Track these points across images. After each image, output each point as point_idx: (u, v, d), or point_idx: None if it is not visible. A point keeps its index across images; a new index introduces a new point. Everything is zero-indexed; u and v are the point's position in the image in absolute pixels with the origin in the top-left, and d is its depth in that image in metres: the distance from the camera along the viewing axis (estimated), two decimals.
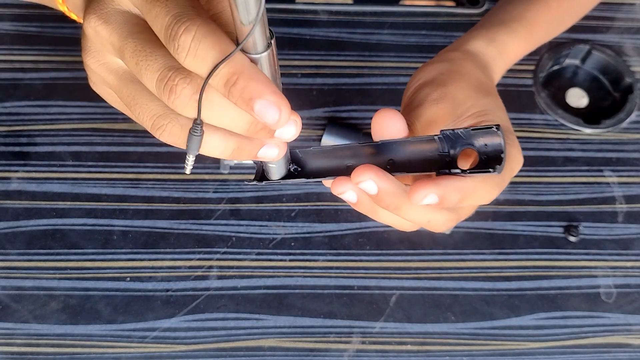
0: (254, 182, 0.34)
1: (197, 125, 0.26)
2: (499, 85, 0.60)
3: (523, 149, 0.57)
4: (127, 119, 0.55)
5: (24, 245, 0.51)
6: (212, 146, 0.28)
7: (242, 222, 0.53)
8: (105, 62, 0.29)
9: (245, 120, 0.27)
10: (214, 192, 0.53)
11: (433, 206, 0.30)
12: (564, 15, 0.49)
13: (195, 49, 0.24)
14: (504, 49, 0.43)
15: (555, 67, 0.63)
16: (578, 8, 0.51)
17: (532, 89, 0.60)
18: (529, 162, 0.57)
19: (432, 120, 0.36)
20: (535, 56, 0.61)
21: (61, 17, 0.44)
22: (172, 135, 0.27)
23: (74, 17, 0.35)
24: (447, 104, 0.36)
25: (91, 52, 0.29)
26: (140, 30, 0.27)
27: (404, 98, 0.40)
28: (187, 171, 0.29)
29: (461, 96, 0.37)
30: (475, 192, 0.31)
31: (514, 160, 0.35)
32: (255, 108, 0.24)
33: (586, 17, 0.64)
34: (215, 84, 0.25)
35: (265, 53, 0.25)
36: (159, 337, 0.48)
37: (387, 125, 0.32)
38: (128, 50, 0.27)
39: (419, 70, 0.41)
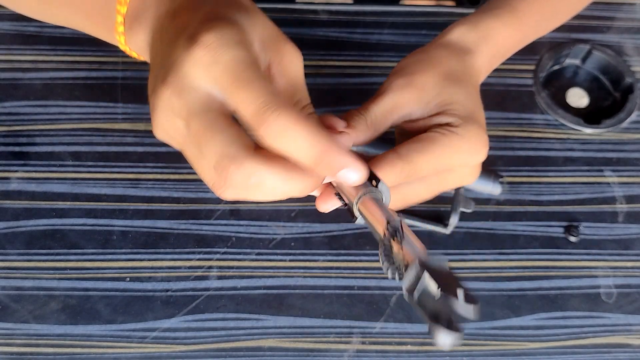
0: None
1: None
2: (499, 85, 0.60)
3: (523, 149, 0.58)
4: (127, 119, 0.55)
5: (23, 245, 0.51)
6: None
7: (242, 222, 0.52)
8: (174, 124, 0.30)
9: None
10: None
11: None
12: (558, 6, 0.49)
13: (283, 135, 0.28)
14: (488, 34, 0.43)
15: (556, 67, 0.63)
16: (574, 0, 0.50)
17: (533, 88, 0.60)
18: (529, 162, 0.57)
19: (395, 106, 0.37)
20: (536, 56, 0.61)
21: None
22: (225, 197, 0.31)
23: (134, 55, 0.37)
24: (412, 91, 0.37)
25: (161, 114, 0.30)
26: (208, 109, 0.29)
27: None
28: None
29: (428, 84, 0.37)
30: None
31: (477, 140, 0.37)
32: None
33: (586, 17, 0.64)
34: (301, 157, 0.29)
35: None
36: (159, 337, 0.48)
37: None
38: (192, 129, 0.29)
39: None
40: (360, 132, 0.36)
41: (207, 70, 0.29)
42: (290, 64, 0.34)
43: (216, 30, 0.29)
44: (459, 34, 0.42)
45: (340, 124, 0.37)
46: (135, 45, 0.35)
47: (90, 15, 0.37)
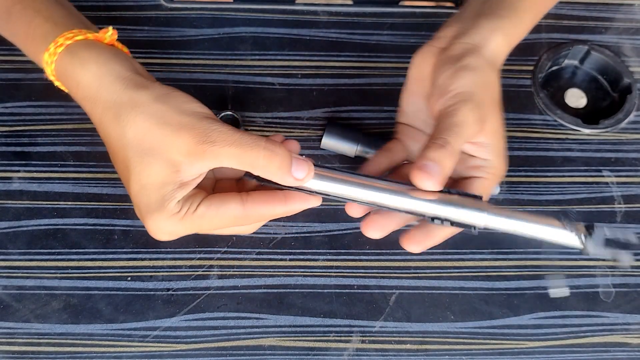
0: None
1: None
2: None
3: (522, 149, 0.58)
4: None
5: (25, 244, 0.51)
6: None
7: None
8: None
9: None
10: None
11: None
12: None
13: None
14: (512, 44, 0.45)
15: (554, 68, 0.63)
16: None
17: (531, 89, 0.60)
18: (527, 162, 0.57)
19: (467, 137, 0.39)
20: (534, 57, 0.61)
21: None
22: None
23: (57, 84, 0.41)
24: (480, 125, 0.40)
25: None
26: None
27: (436, 101, 0.42)
28: None
29: (489, 118, 0.41)
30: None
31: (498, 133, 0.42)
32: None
33: (585, 18, 0.64)
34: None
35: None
36: (160, 336, 0.48)
37: (424, 185, 0.37)
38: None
39: (450, 75, 0.42)
40: (448, 168, 0.38)
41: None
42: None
43: (158, 232, 0.37)
44: (499, 44, 0.44)
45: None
46: (82, 88, 0.39)
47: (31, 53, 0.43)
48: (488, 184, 0.41)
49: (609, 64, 0.62)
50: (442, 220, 0.37)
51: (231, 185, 0.41)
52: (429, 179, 0.36)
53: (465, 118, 0.39)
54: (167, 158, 0.35)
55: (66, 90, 0.41)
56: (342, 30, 0.62)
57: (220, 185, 0.41)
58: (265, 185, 0.38)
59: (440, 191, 0.37)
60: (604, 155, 0.58)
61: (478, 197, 0.38)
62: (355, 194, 0.38)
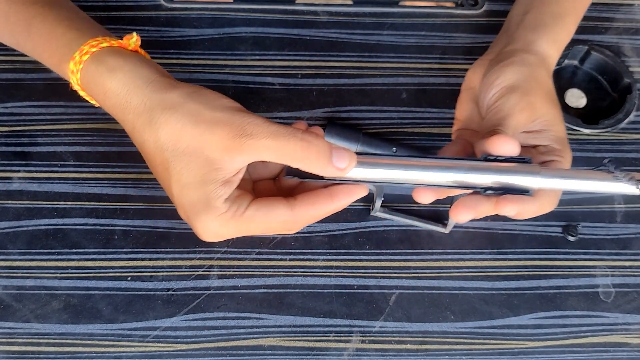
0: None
1: None
2: None
3: None
4: None
5: (25, 244, 0.51)
6: None
7: None
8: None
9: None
10: None
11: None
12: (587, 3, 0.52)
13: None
14: (560, 49, 0.47)
15: (554, 68, 0.63)
16: None
17: None
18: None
19: (516, 126, 0.40)
20: None
21: None
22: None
23: (82, 94, 0.41)
24: (529, 112, 0.41)
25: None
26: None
27: (484, 97, 0.43)
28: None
29: (539, 106, 0.41)
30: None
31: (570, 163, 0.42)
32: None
33: (585, 18, 0.64)
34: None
35: None
36: (160, 336, 0.49)
37: (503, 149, 0.37)
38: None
39: (496, 70, 0.43)
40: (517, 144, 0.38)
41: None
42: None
43: (205, 233, 0.36)
44: (546, 51, 0.46)
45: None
46: (112, 100, 0.38)
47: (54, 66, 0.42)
48: (562, 165, 0.41)
49: (609, 64, 0.62)
50: (495, 189, 0.36)
51: (270, 186, 0.40)
52: (508, 141, 0.36)
53: (510, 110, 0.40)
54: (205, 156, 0.34)
55: (92, 101, 0.41)
56: (342, 30, 0.62)
57: (259, 187, 0.40)
58: (307, 182, 0.37)
59: (486, 159, 0.37)
60: (604, 155, 0.58)
61: (527, 161, 0.37)
62: (402, 176, 0.36)
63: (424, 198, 0.39)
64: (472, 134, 0.46)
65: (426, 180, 0.37)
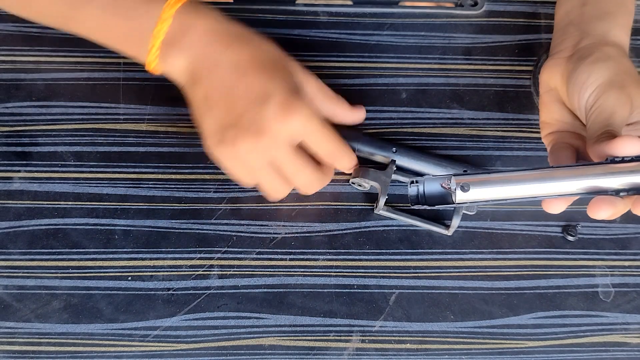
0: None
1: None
2: (497, 86, 0.61)
3: (522, 149, 0.58)
4: (128, 120, 0.56)
5: (25, 244, 0.51)
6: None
7: (242, 222, 0.53)
8: (260, 158, 0.46)
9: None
10: (214, 192, 0.54)
11: None
12: None
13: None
14: (629, 33, 0.47)
15: None
16: None
17: (531, 89, 0.60)
18: (527, 162, 0.57)
19: (622, 124, 0.40)
20: (534, 57, 0.61)
21: None
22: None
23: (157, 73, 0.46)
24: (629, 105, 0.41)
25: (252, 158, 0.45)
26: (298, 151, 0.46)
27: (577, 97, 0.43)
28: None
29: (635, 97, 0.41)
30: None
31: None
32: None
33: None
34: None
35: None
36: (160, 335, 0.49)
37: (629, 149, 0.37)
38: (292, 165, 0.47)
39: (584, 69, 0.43)
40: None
41: (300, 134, 0.44)
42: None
43: (303, 107, 0.43)
44: (620, 36, 0.46)
45: None
46: (170, 67, 0.45)
47: (120, 38, 0.46)
48: None
49: None
50: (628, 190, 0.36)
51: None
52: (632, 141, 0.36)
53: (613, 107, 0.40)
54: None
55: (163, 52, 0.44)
56: (342, 30, 0.62)
57: None
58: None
59: (613, 162, 0.37)
60: None
61: None
62: (535, 190, 0.36)
63: (556, 208, 0.40)
64: (571, 136, 0.46)
65: (560, 191, 0.36)
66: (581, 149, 0.45)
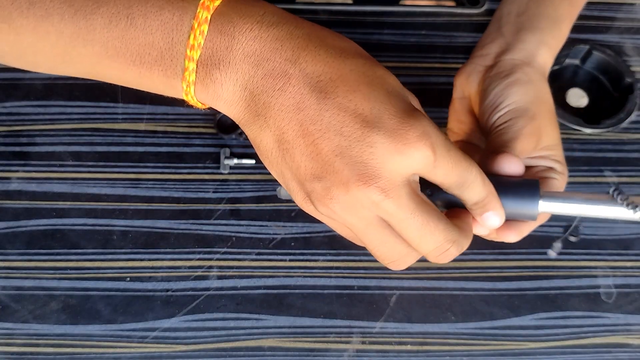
0: None
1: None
2: None
3: None
4: (127, 119, 0.55)
5: (23, 245, 0.51)
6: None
7: (242, 222, 0.53)
8: (366, 217, 0.32)
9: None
10: (214, 192, 0.54)
11: None
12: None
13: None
14: (555, 55, 0.47)
15: (555, 67, 0.63)
16: None
17: None
18: None
19: (522, 151, 0.40)
20: None
21: None
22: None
23: (200, 106, 0.33)
24: (535, 138, 0.41)
25: (349, 210, 0.31)
26: (422, 202, 0.31)
27: (489, 116, 0.43)
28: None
29: (544, 131, 0.41)
30: None
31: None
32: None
33: (586, 17, 0.64)
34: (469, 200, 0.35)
35: None
36: (159, 337, 0.48)
37: (507, 169, 0.37)
38: (415, 223, 0.31)
39: (502, 91, 0.43)
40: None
41: (429, 172, 0.31)
42: None
43: (426, 129, 0.30)
44: (547, 62, 0.45)
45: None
46: (214, 95, 0.31)
47: (143, 65, 0.31)
48: (558, 184, 0.41)
49: (611, 64, 0.62)
50: None
51: None
52: (512, 160, 0.37)
53: (518, 135, 0.40)
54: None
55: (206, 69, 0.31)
56: (343, 29, 0.62)
57: None
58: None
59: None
60: (606, 155, 0.58)
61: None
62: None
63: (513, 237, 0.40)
64: (473, 148, 0.46)
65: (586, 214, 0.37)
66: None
